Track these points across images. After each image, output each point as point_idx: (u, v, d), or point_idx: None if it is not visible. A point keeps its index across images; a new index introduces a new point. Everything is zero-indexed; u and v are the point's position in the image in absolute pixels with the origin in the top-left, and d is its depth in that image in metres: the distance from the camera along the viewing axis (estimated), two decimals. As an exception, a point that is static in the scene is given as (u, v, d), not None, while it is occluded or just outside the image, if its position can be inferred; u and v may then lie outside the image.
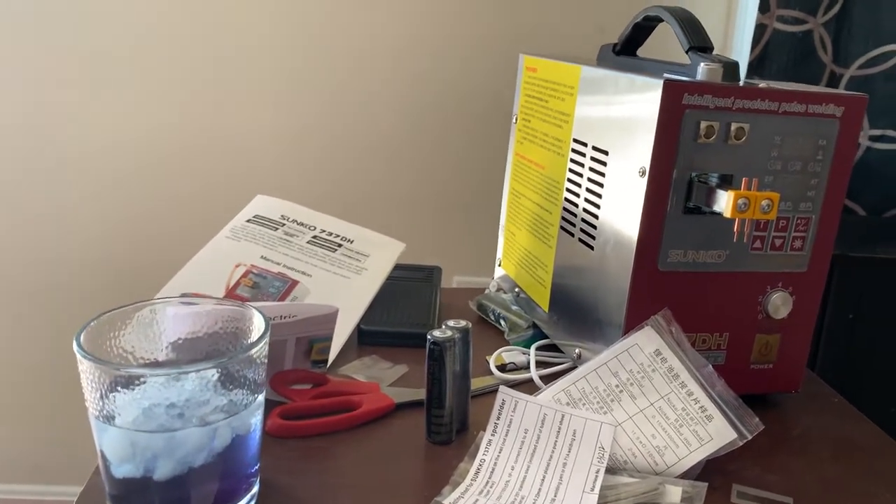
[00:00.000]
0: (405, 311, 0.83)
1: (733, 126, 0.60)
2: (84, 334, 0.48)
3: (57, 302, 1.44)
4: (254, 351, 0.49)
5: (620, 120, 0.64)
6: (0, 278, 1.42)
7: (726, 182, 0.61)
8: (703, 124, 0.59)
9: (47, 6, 1.30)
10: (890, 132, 1.46)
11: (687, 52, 0.65)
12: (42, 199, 1.39)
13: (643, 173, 0.61)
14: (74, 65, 1.33)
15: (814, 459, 0.63)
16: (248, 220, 0.87)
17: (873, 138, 1.47)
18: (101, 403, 0.47)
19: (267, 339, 0.51)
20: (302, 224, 0.88)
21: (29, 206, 1.39)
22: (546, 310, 0.78)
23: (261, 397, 0.51)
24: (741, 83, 0.62)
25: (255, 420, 0.51)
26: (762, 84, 0.62)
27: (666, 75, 0.60)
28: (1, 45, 1.31)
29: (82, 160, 1.37)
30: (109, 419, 0.47)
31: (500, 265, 0.93)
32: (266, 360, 0.51)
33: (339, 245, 0.87)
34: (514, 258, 0.88)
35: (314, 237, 0.87)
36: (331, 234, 0.88)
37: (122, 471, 0.47)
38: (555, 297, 0.77)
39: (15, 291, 1.43)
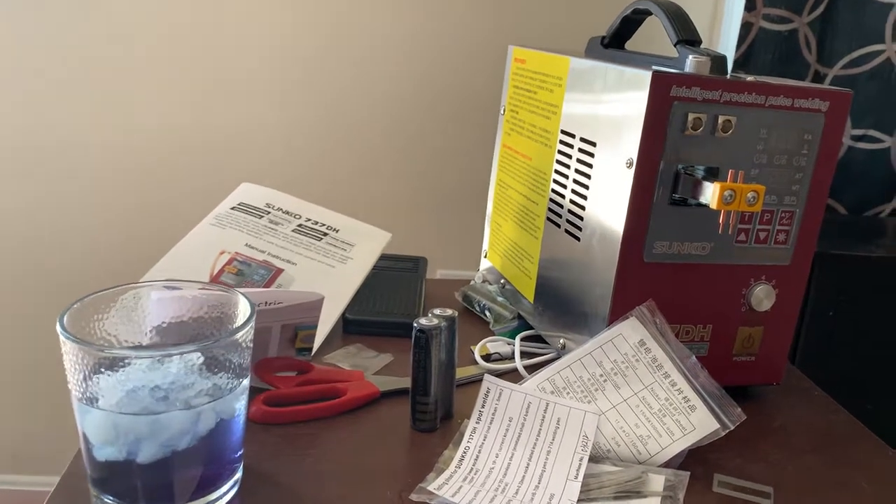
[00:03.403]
0: (390, 300, 0.83)
1: (720, 119, 0.61)
2: (67, 316, 0.48)
3: (45, 295, 1.43)
4: (239, 335, 0.49)
5: (608, 111, 0.65)
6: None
7: (712, 174, 0.62)
8: (691, 116, 0.60)
9: (50, 4, 1.29)
10: (872, 132, 1.48)
11: (675, 45, 0.66)
12: (43, 194, 1.38)
13: (630, 165, 0.61)
14: (77, 61, 1.32)
15: (794, 450, 0.63)
16: (232, 208, 0.86)
17: (855, 138, 1.48)
18: (84, 385, 0.46)
19: (252, 324, 0.50)
20: (287, 212, 0.88)
21: (26, 199, 1.38)
22: (531, 301, 0.79)
23: (245, 382, 0.51)
24: (728, 77, 0.62)
25: (240, 405, 0.51)
26: (750, 78, 0.62)
27: (655, 67, 0.61)
28: (2, 42, 1.29)
29: (85, 155, 1.36)
30: (92, 401, 0.46)
31: (485, 257, 0.93)
32: (251, 345, 0.51)
33: (325, 234, 0.87)
34: (500, 249, 0.88)
35: (299, 226, 0.87)
36: (316, 222, 0.88)
37: (104, 453, 0.47)
38: (540, 289, 0.77)
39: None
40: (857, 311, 1.30)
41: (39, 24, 1.30)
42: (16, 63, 1.31)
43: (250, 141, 1.39)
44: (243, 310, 0.52)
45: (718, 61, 0.62)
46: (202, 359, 0.48)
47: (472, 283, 0.91)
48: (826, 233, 1.38)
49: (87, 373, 0.46)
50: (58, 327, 0.46)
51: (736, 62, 1.44)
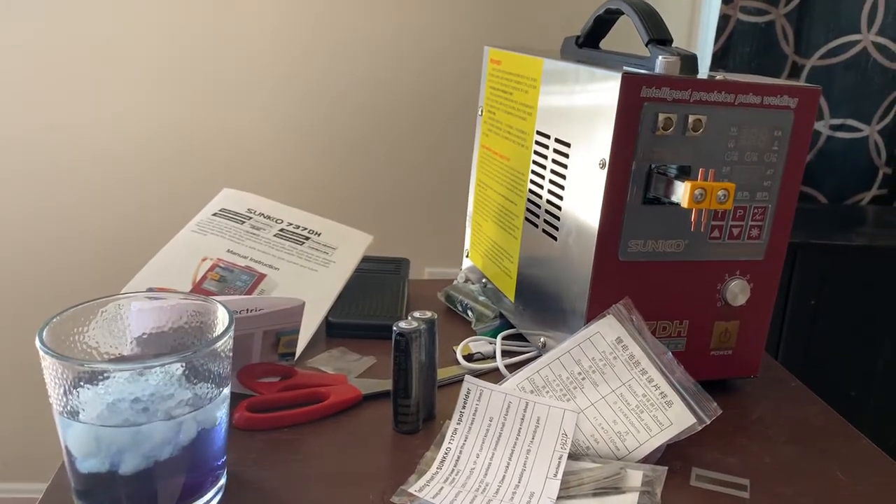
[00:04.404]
0: (373, 303, 0.84)
1: (691, 118, 0.61)
2: (47, 330, 0.48)
3: (30, 303, 1.43)
4: (218, 345, 0.49)
5: (581, 112, 0.65)
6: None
7: (684, 173, 0.62)
8: (662, 116, 0.61)
9: (44, 6, 1.28)
10: (850, 121, 1.50)
11: (646, 45, 0.67)
12: (23, 202, 1.37)
13: (603, 165, 0.62)
14: (60, 66, 1.32)
15: (771, 442, 0.64)
16: (214, 214, 0.87)
17: (833, 127, 1.50)
18: (64, 399, 0.47)
19: (231, 333, 0.51)
20: (269, 217, 0.89)
21: (12, 205, 1.38)
22: (512, 300, 0.79)
23: (226, 391, 0.52)
24: (706, 75, 0.63)
25: (221, 413, 0.51)
26: (719, 76, 0.63)
27: (625, 68, 0.61)
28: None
29: (63, 166, 1.36)
30: (73, 415, 0.47)
31: (467, 256, 0.94)
32: (231, 354, 0.52)
33: (307, 238, 0.87)
34: (481, 249, 0.89)
35: (281, 230, 0.87)
36: (298, 226, 0.88)
37: (87, 466, 0.47)
38: (520, 287, 0.78)
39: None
40: (838, 299, 1.32)
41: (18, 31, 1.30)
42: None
43: (230, 146, 1.40)
44: (222, 319, 0.52)
45: (688, 61, 0.63)
46: (182, 369, 0.49)
47: (454, 282, 0.91)
48: (807, 222, 1.40)
49: (67, 387, 0.46)
50: (37, 342, 0.47)
51: (715, 55, 1.45)
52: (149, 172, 1.38)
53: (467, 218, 0.93)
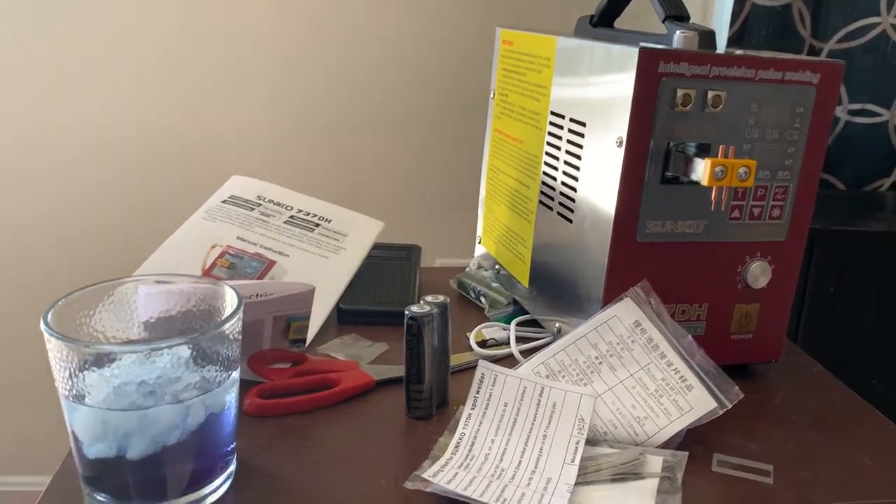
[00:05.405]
0: (385, 289, 0.82)
1: (710, 94, 0.60)
2: (52, 313, 0.47)
3: (45, 291, 1.42)
4: (226, 327, 0.48)
5: (597, 91, 0.64)
6: (-25, 267, 1.40)
7: (704, 151, 0.61)
8: (680, 92, 0.59)
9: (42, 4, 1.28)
10: (869, 106, 1.47)
11: (663, 22, 0.65)
12: (34, 191, 1.37)
13: (620, 143, 0.60)
14: (65, 59, 1.31)
15: (794, 427, 0.63)
16: (223, 201, 0.86)
17: (852, 112, 1.47)
18: (70, 383, 0.46)
19: (240, 316, 0.50)
20: (279, 204, 0.87)
21: (17, 197, 1.37)
22: (526, 285, 0.78)
23: (235, 374, 0.51)
24: (722, 53, 0.61)
25: (230, 398, 0.50)
26: (739, 52, 0.61)
27: (642, 44, 0.60)
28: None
29: (75, 152, 1.36)
30: (80, 398, 0.46)
31: (480, 243, 0.92)
32: (239, 337, 0.51)
33: (317, 225, 0.86)
34: (494, 235, 0.87)
35: (291, 217, 0.86)
36: (308, 213, 0.87)
37: (94, 451, 0.46)
38: (534, 273, 0.76)
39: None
40: (858, 286, 1.30)
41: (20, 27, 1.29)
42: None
43: (239, 134, 1.39)
44: (230, 302, 0.51)
45: (707, 36, 0.61)
46: (190, 352, 0.48)
47: (466, 269, 0.90)
48: (825, 208, 1.38)
49: (72, 370, 0.45)
50: (42, 325, 0.46)
51: (730, 39, 1.42)
52: (156, 162, 1.38)
53: (479, 204, 0.92)
